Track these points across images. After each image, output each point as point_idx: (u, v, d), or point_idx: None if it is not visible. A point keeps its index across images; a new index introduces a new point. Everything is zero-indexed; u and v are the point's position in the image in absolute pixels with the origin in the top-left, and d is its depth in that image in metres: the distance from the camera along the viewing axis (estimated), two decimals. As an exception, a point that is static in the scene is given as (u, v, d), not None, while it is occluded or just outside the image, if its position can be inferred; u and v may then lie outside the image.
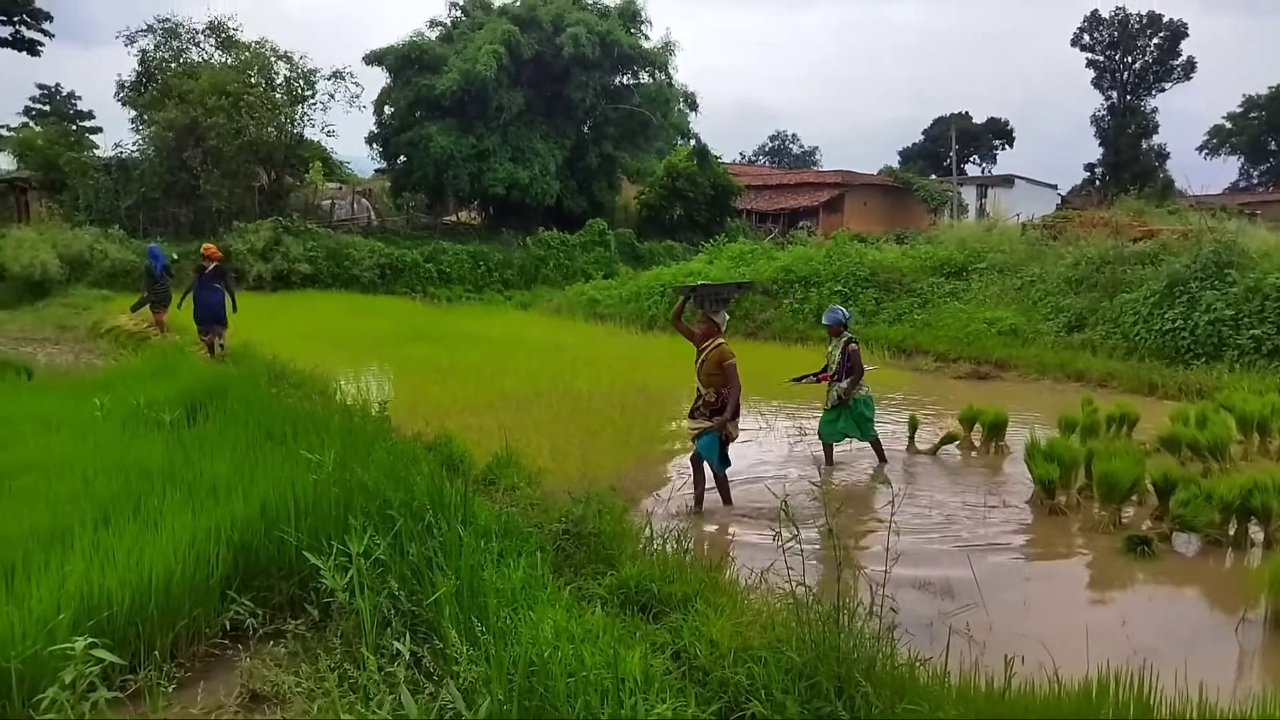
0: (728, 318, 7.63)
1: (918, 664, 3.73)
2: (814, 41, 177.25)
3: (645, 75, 39.31)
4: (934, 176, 54.66)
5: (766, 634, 3.93)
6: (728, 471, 7.65)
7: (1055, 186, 51.67)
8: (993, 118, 76.70)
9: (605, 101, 37.22)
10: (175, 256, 17.83)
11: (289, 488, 5.00)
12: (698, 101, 40.99)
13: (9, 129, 42.05)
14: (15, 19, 32.26)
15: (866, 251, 22.48)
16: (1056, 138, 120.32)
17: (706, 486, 7.59)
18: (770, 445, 10.12)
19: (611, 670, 3.25)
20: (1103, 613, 5.69)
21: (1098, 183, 60.41)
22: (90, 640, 3.22)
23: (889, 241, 27.68)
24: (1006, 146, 77.58)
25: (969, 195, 47.63)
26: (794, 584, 3.95)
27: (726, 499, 7.58)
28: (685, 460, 9.13)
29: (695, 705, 3.30)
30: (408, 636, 3.64)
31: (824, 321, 9.35)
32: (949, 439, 9.70)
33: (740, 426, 7.71)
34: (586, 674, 3.22)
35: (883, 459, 9.17)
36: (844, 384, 8.89)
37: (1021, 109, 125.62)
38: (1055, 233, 21.93)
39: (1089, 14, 61.79)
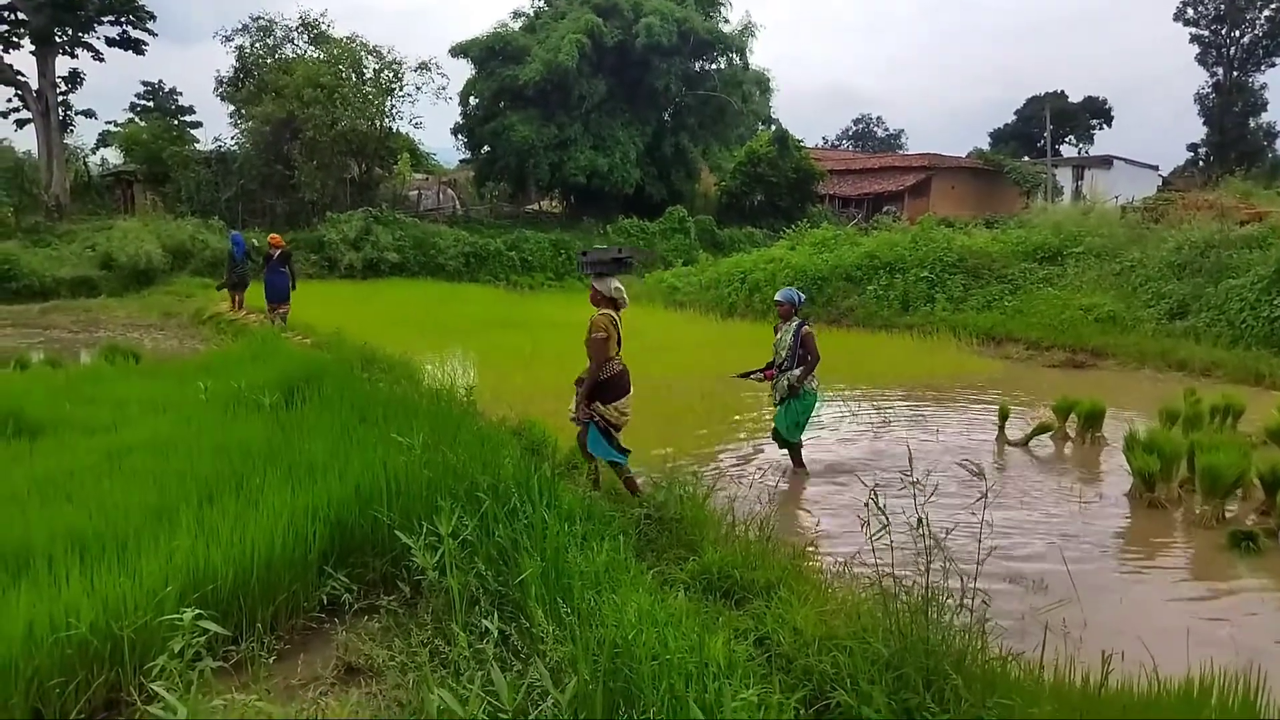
0: (617, 285, 6.63)
1: (1010, 659, 3.64)
2: (901, 24, 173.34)
3: (723, 60, 39.02)
4: (1027, 158, 52.76)
5: (852, 623, 3.89)
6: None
7: (1156, 168, 49.39)
8: (1090, 96, 73.47)
9: (684, 88, 37.07)
10: (255, 243, 19.01)
11: (381, 469, 5.14)
12: (771, 85, 40.61)
13: (116, 125, 44.21)
14: (123, 19, 33.68)
15: (954, 236, 21.89)
16: (1158, 117, 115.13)
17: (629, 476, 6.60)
18: (855, 433, 9.97)
19: (696, 654, 3.26)
20: (1205, 611, 5.46)
21: (1201, 163, 57.60)
22: (197, 611, 3.37)
23: (978, 226, 26.86)
24: (1105, 126, 74.29)
25: (1064, 177, 45.91)
26: (881, 574, 3.90)
27: (633, 489, 6.50)
28: (766, 449, 9.09)
29: (780, 692, 3.28)
30: (495, 615, 3.71)
31: (776, 299, 8.50)
32: (1042, 429, 9.40)
33: (623, 410, 6.48)
34: (670, 657, 3.24)
35: (798, 465, 8.27)
36: (796, 372, 8.07)
37: (1120, 88, 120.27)
38: (1157, 216, 21.03)
39: (1194, -15, 58.75)
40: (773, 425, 8.47)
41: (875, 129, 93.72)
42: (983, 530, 3.65)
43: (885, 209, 39.66)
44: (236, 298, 17.89)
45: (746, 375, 8.76)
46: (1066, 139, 71.18)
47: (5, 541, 4.27)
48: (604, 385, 6.39)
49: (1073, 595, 5.00)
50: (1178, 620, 4.94)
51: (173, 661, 3.17)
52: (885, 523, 3.63)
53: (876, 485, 4.04)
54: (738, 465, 8.74)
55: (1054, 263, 19.52)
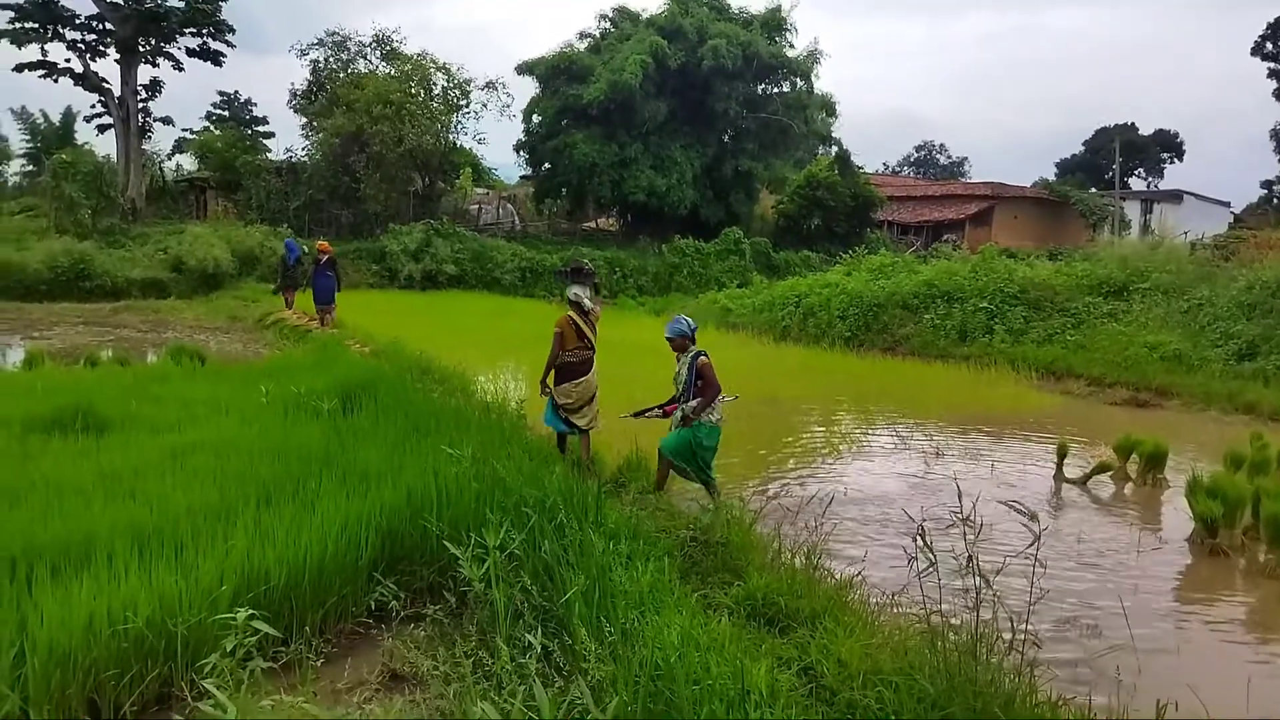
0: (575, 291, 8.19)
1: (1061, 703, 3.56)
2: (965, 50, 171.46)
3: (786, 84, 39.04)
4: (1094, 190, 51.70)
5: (898, 659, 3.83)
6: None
7: (1228, 204, 47.99)
8: (1160, 129, 71.84)
9: (746, 111, 37.14)
10: (306, 249, 20.32)
11: (432, 479, 5.22)
12: (837, 108, 40.42)
13: (192, 132, 45.68)
14: (204, 31, 34.92)
15: (1016, 267, 21.51)
16: (1231, 152, 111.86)
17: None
18: (906, 465, 9.83)
19: (737, 681, 3.25)
20: (1265, 663, 5.26)
21: (1276, 201, 55.77)
22: (250, 612, 3.45)
23: (1041, 258, 26.36)
24: (1175, 160, 72.48)
25: (1132, 211, 44.88)
26: (929, 610, 3.84)
27: (561, 448, 8.11)
28: (815, 476, 9.01)
29: (821, 724, 3.25)
30: (539, 630, 3.74)
31: (666, 335, 7.66)
32: (1101, 468, 9.17)
33: (569, 393, 7.93)
34: (712, 682, 3.23)
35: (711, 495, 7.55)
36: (693, 403, 7.35)
37: (1192, 120, 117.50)
38: (1227, 253, 20.46)
39: (1272, 20, 57.03)
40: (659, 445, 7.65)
41: (938, 155, 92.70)
42: (1035, 571, 3.58)
43: (945, 237, 39.17)
44: (288, 298, 19.54)
45: (642, 413, 8.06)
46: (1135, 172, 69.58)
47: (70, 534, 4.42)
48: (560, 370, 7.95)
49: (1128, 642, 4.87)
50: (1237, 671, 4.77)
51: (224, 660, 3.25)
52: (933, 559, 3.58)
53: (925, 520, 3.99)
54: (786, 491, 8.68)
55: (1119, 298, 19.06)
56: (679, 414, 7.46)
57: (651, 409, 7.93)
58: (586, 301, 8.15)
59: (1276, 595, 6.20)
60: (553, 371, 7.95)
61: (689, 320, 7.72)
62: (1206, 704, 3.61)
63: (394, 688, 3.89)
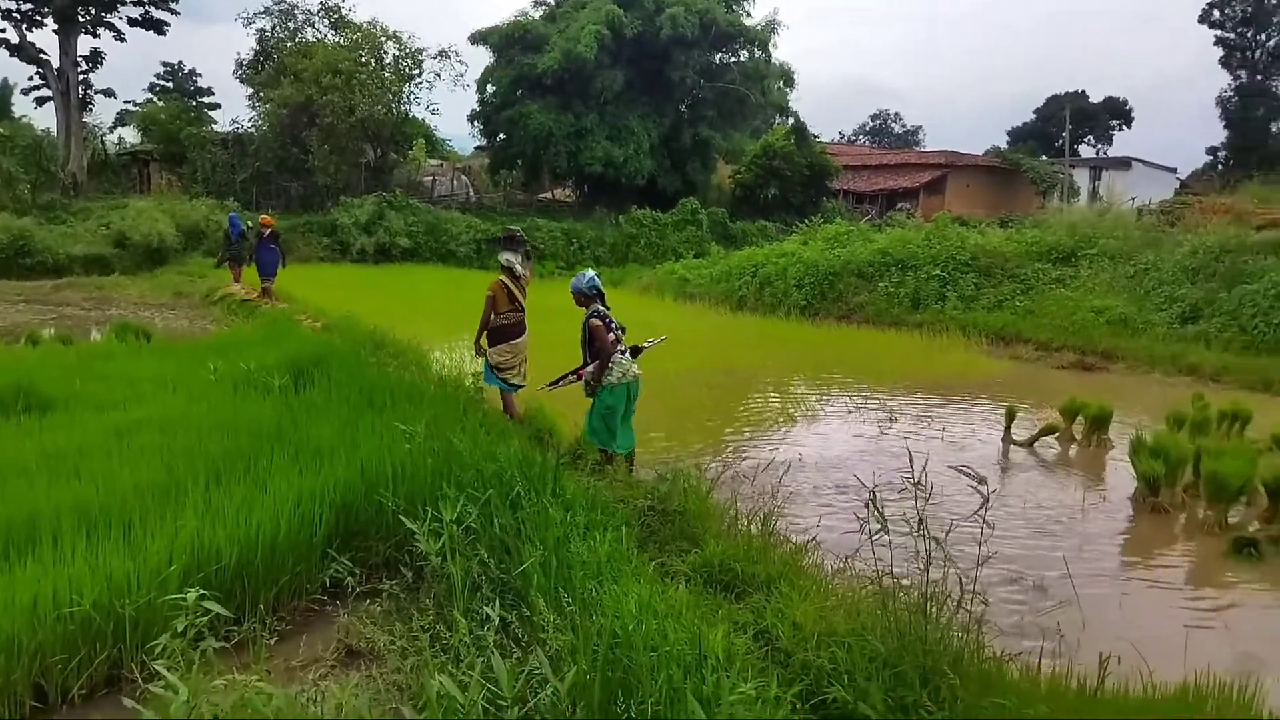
0: (507, 257, 8.57)
1: (1007, 659, 3.65)
2: (921, 17, 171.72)
3: (744, 53, 38.89)
4: (1045, 158, 52.38)
5: (851, 620, 3.90)
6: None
7: (1175, 170, 48.98)
8: (1110, 97, 72.81)
9: (703, 80, 36.95)
10: (250, 224, 19.93)
11: (387, 454, 5.18)
12: (795, 78, 40.40)
13: (135, 104, 44.41)
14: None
15: (968, 235, 21.76)
16: (1178, 119, 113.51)
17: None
18: (861, 431, 9.96)
19: (694, 647, 3.28)
20: (1204, 617, 5.45)
21: (1221, 168, 57.04)
22: (200, 592, 3.40)
23: (993, 225, 26.71)
24: (1124, 128, 73.64)
25: (1082, 178, 45.55)
26: (881, 573, 3.91)
27: (509, 411, 8.43)
28: (772, 444, 9.11)
29: (777, 686, 3.30)
30: (497, 602, 3.74)
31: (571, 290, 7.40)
32: (1048, 430, 9.38)
33: (503, 353, 8.30)
34: (669, 649, 3.26)
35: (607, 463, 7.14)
36: (590, 367, 7.05)
37: (1141, 89, 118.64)
38: (1173, 219, 20.87)
39: (1219, -13, 58.13)
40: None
41: (893, 124, 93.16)
42: (983, 532, 3.66)
43: (900, 205, 39.48)
44: (235, 272, 19.22)
45: (557, 383, 7.79)
46: (1085, 139, 70.63)
47: (13, 516, 4.32)
48: (494, 332, 8.31)
49: (1072, 598, 5.01)
50: (1176, 625, 4.94)
51: (175, 641, 3.20)
52: (883, 523, 3.64)
53: (878, 484, 4.05)
54: (743, 459, 8.76)
55: (1067, 264, 19.40)
56: (585, 381, 7.14)
57: (567, 375, 7.64)
58: (518, 267, 8.51)
59: (1214, 551, 6.41)
60: (486, 333, 8.33)
61: (590, 275, 7.34)
62: (1147, 657, 3.74)
63: (350, 663, 3.88)
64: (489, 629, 3.48)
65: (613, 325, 7.13)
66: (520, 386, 8.57)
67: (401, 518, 4.40)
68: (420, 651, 3.57)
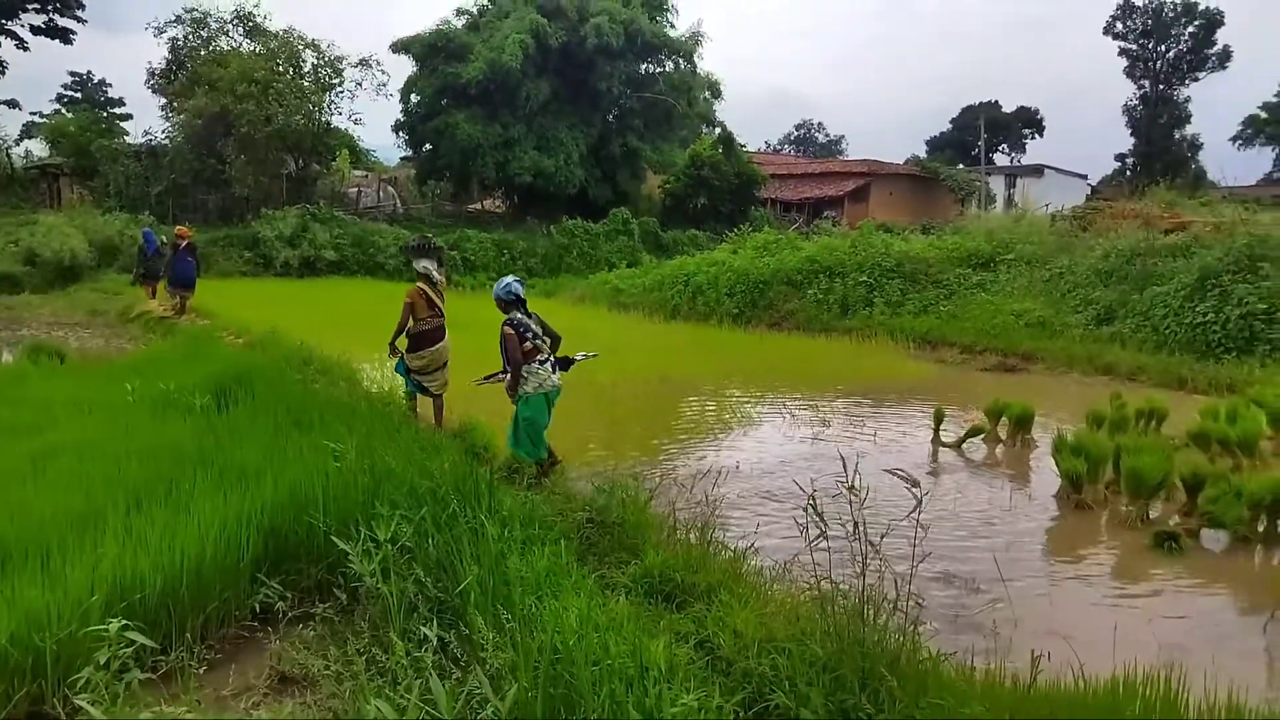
0: (425, 264, 8.84)
1: (942, 659, 3.72)
2: (842, 29, 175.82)
3: (670, 64, 39.21)
4: (962, 166, 53.97)
5: (791, 626, 3.93)
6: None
7: (1085, 177, 50.92)
8: (1022, 107, 75.59)
9: (630, 90, 37.12)
10: (164, 239, 19.24)
11: (317, 473, 5.05)
12: (721, 89, 40.87)
13: (42, 116, 42.71)
14: (49, 6, 32.58)
15: (892, 242, 22.27)
16: (1087, 128, 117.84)
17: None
18: (795, 437, 10.08)
19: (636, 659, 3.27)
20: (1129, 610, 5.63)
21: (1129, 173, 59.50)
22: (124, 622, 3.27)
23: (915, 232, 27.39)
24: (1036, 136, 76.47)
25: (997, 185, 47.05)
26: (819, 577, 3.95)
27: (433, 415, 8.80)
28: (710, 453, 9.16)
29: (719, 696, 3.31)
30: (434, 622, 3.67)
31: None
32: (974, 432, 9.63)
33: (423, 358, 8.66)
34: (611, 662, 3.24)
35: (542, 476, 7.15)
36: (504, 380, 7.01)
37: (1052, 98, 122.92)
38: (1085, 224, 21.61)
39: (1122, 1, 60.78)
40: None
41: (817, 134, 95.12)
42: (917, 534, 3.72)
43: (825, 214, 40.22)
44: (150, 289, 18.74)
45: (489, 379, 7.74)
46: (1000, 147, 73.12)
47: (-82, 550, 4.09)
48: (415, 338, 8.60)
49: (1004, 596, 5.14)
50: (1104, 619, 5.10)
51: (98, 674, 3.08)
52: (824, 528, 3.69)
53: (815, 490, 4.09)
54: (681, 468, 8.77)
55: (987, 269, 20.00)
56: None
57: (496, 374, 7.47)
58: (435, 274, 8.87)
59: (1136, 545, 6.64)
60: (404, 338, 8.64)
61: (508, 281, 7.14)
62: (1077, 650, 3.84)
63: (283, 690, 3.77)
64: (427, 650, 3.42)
65: (529, 334, 6.97)
66: (437, 395, 8.82)
67: (334, 539, 4.30)
68: (356, 676, 3.48)
